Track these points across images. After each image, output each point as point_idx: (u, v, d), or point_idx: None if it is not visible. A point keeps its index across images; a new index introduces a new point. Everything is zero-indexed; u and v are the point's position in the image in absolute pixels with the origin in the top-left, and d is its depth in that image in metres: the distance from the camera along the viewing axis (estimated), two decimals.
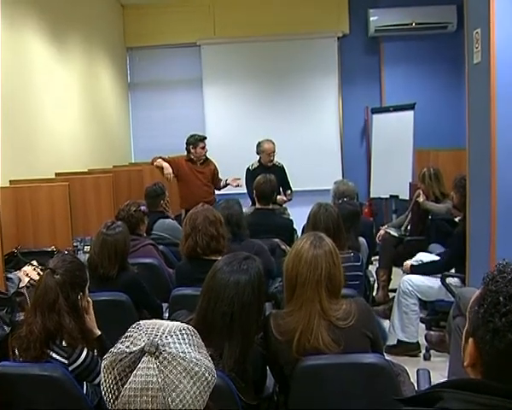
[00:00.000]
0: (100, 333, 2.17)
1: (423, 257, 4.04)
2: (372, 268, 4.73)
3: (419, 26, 6.97)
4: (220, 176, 5.62)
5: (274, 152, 5.52)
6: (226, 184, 5.55)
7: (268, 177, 4.31)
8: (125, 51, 7.56)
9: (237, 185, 5.51)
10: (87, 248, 3.79)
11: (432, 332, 3.84)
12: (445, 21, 6.94)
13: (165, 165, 5.19)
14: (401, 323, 3.73)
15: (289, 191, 5.56)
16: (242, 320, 1.68)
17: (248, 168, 5.62)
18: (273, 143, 5.56)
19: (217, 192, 5.67)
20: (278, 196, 4.55)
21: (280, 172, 5.51)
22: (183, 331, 1.03)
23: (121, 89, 7.36)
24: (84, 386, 1.99)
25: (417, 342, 3.75)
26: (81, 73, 5.80)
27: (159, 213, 4.27)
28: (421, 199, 4.66)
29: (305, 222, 3.15)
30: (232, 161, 6.45)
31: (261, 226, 3.94)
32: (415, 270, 3.87)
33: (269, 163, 5.50)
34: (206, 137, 5.44)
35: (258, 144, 5.60)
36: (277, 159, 5.64)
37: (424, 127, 6.77)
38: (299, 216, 4.65)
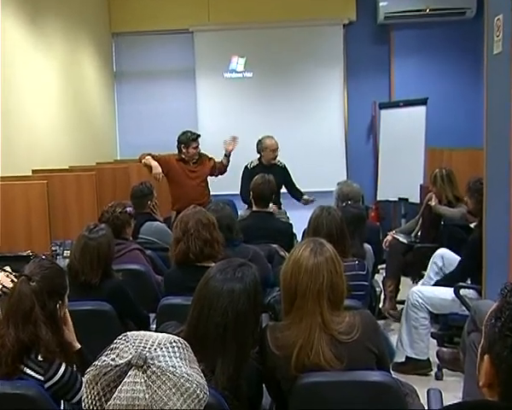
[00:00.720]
0: (80, 346, 2.17)
1: (445, 253, 4.08)
2: (378, 278, 4.74)
3: (433, 12, 6.95)
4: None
5: (277, 149, 5.56)
6: (229, 155, 5.55)
7: (267, 177, 4.34)
8: (110, 38, 7.58)
9: (232, 148, 5.52)
10: (67, 253, 3.79)
11: (444, 349, 3.84)
12: (462, 7, 6.90)
13: (154, 164, 5.20)
14: (410, 338, 3.73)
15: (303, 196, 5.66)
16: (237, 332, 1.68)
17: (247, 166, 5.64)
18: (276, 141, 5.60)
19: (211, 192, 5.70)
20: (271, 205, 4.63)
21: (282, 172, 5.55)
22: (174, 344, 1.03)
23: (106, 79, 7.38)
24: (61, 405, 1.99)
25: (428, 359, 3.76)
26: (62, 62, 5.81)
27: (146, 215, 4.29)
28: (433, 203, 4.67)
29: (305, 226, 3.16)
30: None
31: (258, 231, 3.95)
32: (426, 282, 3.89)
33: (272, 161, 5.53)
34: (199, 136, 5.44)
35: (259, 142, 5.63)
36: (278, 158, 5.67)
37: (437, 124, 6.81)
38: (299, 220, 4.66)
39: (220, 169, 5.56)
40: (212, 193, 5.63)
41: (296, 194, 5.71)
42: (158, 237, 4.13)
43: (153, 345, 1.01)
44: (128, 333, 1.06)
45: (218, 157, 5.62)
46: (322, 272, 1.88)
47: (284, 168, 5.64)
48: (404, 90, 7.19)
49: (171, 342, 1.03)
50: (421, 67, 7.32)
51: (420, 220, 5.03)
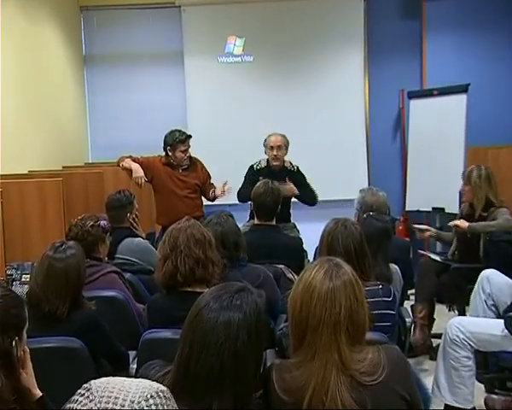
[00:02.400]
0: (41, 395, 2.15)
1: (491, 274, 4.06)
2: (408, 305, 4.75)
3: None
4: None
5: (281, 148, 5.60)
6: (215, 197, 5.63)
7: (270, 185, 4.40)
8: (78, 12, 7.65)
9: (222, 193, 5.57)
10: (26, 278, 3.81)
11: (494, 396, 3.79)
12: None
13: (135, 166, 5.28)
14: (449, 382, 3.65)
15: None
16: (236, 373, 1.69)
17: (252, 166, 5.73)
18: (284, 138, 5.66)
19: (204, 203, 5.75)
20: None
21: (295, 177, 5.60)
22: (152, 401, 0.97)
23: (74, 64, 7.43)
24: None
25: (473, 408, 3.72)
26: (17, 42, 5.80)
27: (125, 229, 4.33)
28: (464, 224, 4.69)
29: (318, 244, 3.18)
30: (222, 165, 6.54)
31: (260, 248, 4.00)
32: (473, 314, 3.85)
33: (274, 162, 5.60)
34: (189, 136, 5.48)
35: (266, 139, 5.71)
36: (290, 159, 5.74)
37: (480, 117, 6.84)
38: (311, 234, 4.67)
39: (207, 192, 5.62)
40: (206, 203, 5.72)
41: (309, 199, 5.73)
42: (139, 257, 4.17)
43: (125, 401, 0.94)
44: (92, 383, 0.98)
45: (212, 162, 5.69)
46: (340, 298, 1.89)
47: (296, 173, 5.70)
48: (438, 76, 7.23)
49: (147, 399, 0.97)
50: (461, 46, 7.35)
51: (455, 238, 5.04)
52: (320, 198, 5.80)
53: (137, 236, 4.39)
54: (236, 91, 7.53)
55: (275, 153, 5.58)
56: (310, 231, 5.12)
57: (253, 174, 5.60)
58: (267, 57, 7.49)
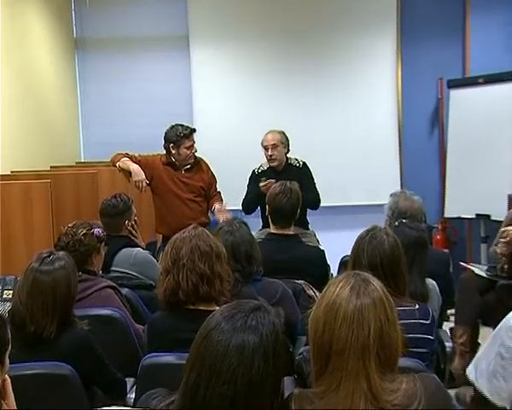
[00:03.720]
0: None
1: None
2: (448, 327, 4.74)
3: None
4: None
5: (277, 147, 5.72)
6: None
7: (288, 185, 4.43)
8: None
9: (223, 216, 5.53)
10: (9, 294, 3.82)
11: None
12: None
13: (134, 167, 5.31)
14: (489, 368, 3.58)
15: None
16: (249, 405, 1.69)
17: (254, 171, 5.88)
18: (282, 134, 5.77)
19: None
20: None
21: (299, 174, 5.65)
22: None
23: (63, 48, 7.45)
24: None
25: (504, 408, 3.71)
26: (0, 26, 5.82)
27: (122, 239, 4.35)
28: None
29: (344, 255, 3.17)
30: (231, 164, 6.64)
31: (277, 261, 4.01)
32: None
33: (271, 163, 5.73)
34: (193, 130, 5.53)
35: (262, 140, 5.82)
36: (297, 156, 5.83)
37: None
38: (332, 245, 4.67)
39: (212, 198, 5.64)
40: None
41: (309, 200, 5.65)
42: (138, 270, 4.20)
43: None
44: None
45: (221, 163, 5.76)
46: (368, 319, 1.88)
47: (301, 168, 5.80)
48: (484, 62, 7.18)
49: None
50: (511, 27, 7.31)
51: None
52: (344, 203, 5.83)
53: (136, 246, 4.40)
54: (249, 82, 7.55)
55: (270, 153, 5.70)
56: (331, 241, 5.13)
57: (255, 179, 5.72)
58: (283, 42, 7.49)
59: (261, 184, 5.49)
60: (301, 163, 5.81)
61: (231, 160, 6.98)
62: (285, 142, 5.76)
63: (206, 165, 5.66)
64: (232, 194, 5.84)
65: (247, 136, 6.88)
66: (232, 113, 7.50)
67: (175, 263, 2.81)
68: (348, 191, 6.94)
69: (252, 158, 5.87)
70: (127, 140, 6.71)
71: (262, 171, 5.79)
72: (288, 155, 5.82)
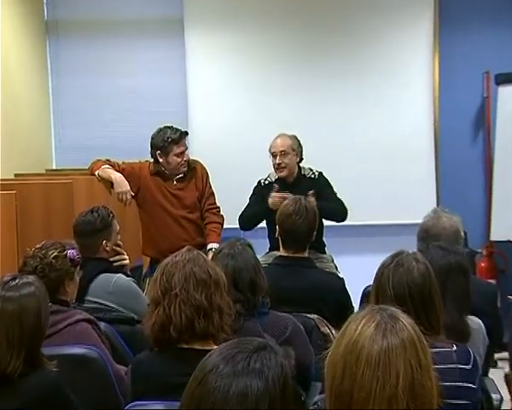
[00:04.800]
0: None
1: None
2: (496, 375, 4.71)
3: None
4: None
5: (286, 154, 5.70)
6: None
7: (303, 202, 4.41)
8: None
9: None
10: None
11: None
12: None
13: (118, 177, 5.28)
14: None
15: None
16: None
17: (260, 182, 5.88)
18: (293, 139, 5.77)
19: None
20: None
21: (315, 187, 5.66)
22: None
23: (32, 33, 7.45)
24: None
25: None
26: None
27: (100, 262, 4.33)
28: None
29: (367, 285, 3.14)
30: (233, 173, 6.71)
31: (286, 290, 4.02)
32: None
33: (280, 172, 5.71)
34: (185, 133, 5.54)
35: (270, 145, 5.82)
36: (313, 165, 5.83)
37: None
38: (355, 272, 4.65)
39: (208, 212, 5.61)
40: None
41: (336, 212, 5.73)
42: (119, 301, 4.17)
43: None
44: None
45: (219, 171, 5.74)
46: (397, 363, 1.87)
47: (318, 179, 5.79)
48: None
49: None
50: None
51: None
52: (367, 222, 5.80)
53: (118, 271, 4.38)
54: (255, 74, 7.55)
55: (278, 161, 5.68)
56: (352, 268, 5.10)
57: (260, 191, 5.73)
58: (296, 28, 7.50)
59: (272, 196, 5.49)
60: (317, 174, 5.81)
61: (233, 168, 7.03)
62: (297, 148, 5.74)
63: (204, 169, 5.65)
64: (232, 209, 5.83)
65: (253, 140, 6.90)
66: (235, 111, 7.51)
67: (166, 293, 2.79)
68: (372, 208, 6.89)
69: (258, 166, 5.88)
70: (108, 144, 6.72)
71: (269, 182, 5.78)
72: (300, 165, 5.82)
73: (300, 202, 4.42)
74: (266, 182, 5.82)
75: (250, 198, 5.83)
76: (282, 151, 5.67)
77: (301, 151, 5.80)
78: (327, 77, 7.47)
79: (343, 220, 5.78)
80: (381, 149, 7.39)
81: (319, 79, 7.47)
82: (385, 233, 6.61)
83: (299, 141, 5.78)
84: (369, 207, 6.90)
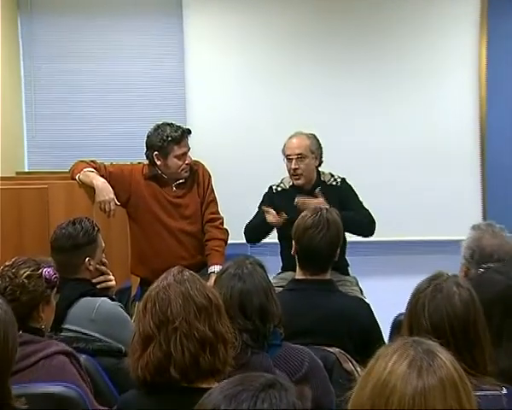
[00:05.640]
0: None
1: None
2: None
3: None
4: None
5: (304, 158, 5.69)
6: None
7: (324, 215, 4.34)
8: None
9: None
10: None
11: None
12: None
13: (100, 182, 5.29)
14: None
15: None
16: None
17: (271, 188, 5.90)
18: (312, 140, 5.76)
19: None
20: None
21: (337, 195, 5.68)
22: None
23: (0, 11, 7.43)
24: None
25: None
26: None
27: (81, 283, 4.31)
28: None
29: (399, 313, 3.11)
30: (238, 178, 6.78)
31: (303, 318, 4.04)
32: None
33: (294, 179, 5.72)
34: (188, 132, 5.54)
35: (284, 145, 5.82)
36: (333, 171, 5.83)
37: None
38: (384, 298, 4.64)
39: (209, 224, 5.61)
40: None
41: (362, 225, 5.76)
42: (104, 330, 4.15)
43: None
44: None
45: (222, 175, 5.77)
46: (434, 408, 1.88)
47: (340, 186, 5.80)
48: None
49: None
50: None
51: None
52: (397, 237, 5.73)
53: (102, 294, 4.36)
54: (265, 60, 7.57)
55: (293, 166, 5.68)
56: (379, 292, 5.08)
57: (270, 199, 5.75)
58: (314, 7, 7.53)
59: (296, 200, 5.48)
60: (339, 180, 5.81)
61: (238, 171, 7.10)
62: (316, 151, 5.74)
63: (206, 171, 5.65)
64: (236, 221, 5.87)
65: (262, 138, 6.97)
66: (241, 105, 7.54)
67: (162, 326, 2.77)
68: (403, 222, 6.87)
69: (267, 170, 5.90)
70: (93, 142, 6.70)
71: (283, 189, 5.80)
72: (319, 169, 5.82)
73: (321, 214, 4.34)
74: (279, 189, 5.83)
75: (259, 207, 5.82)
76: (298, 155, 5.66)
77: (321, 153, 5.79)
78: (350, 65, 7.50)
79: (370, 235, 5.79)
80: (415, 152, 7.41)
81: (341, 67, 7.52)
82: (419, 251, 6.61)
83: (318, 141, 5.78)
84: (399, 221, 6.88)
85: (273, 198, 5.77)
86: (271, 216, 5.56)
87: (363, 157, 6.91)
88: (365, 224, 5.72)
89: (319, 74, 7.47)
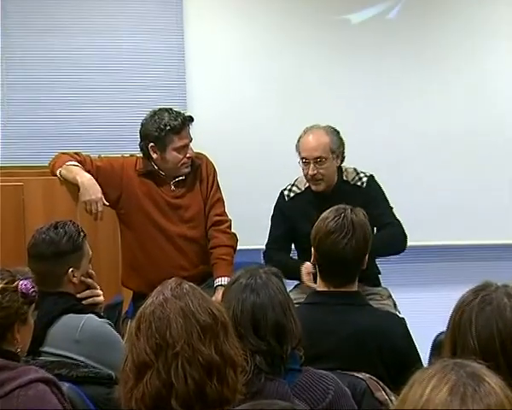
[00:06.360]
0: None
1: None
2: None
3: None
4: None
5: (323, 161, 5.58)
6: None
7: (349, 216, 4.27)
8: None
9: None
10: None
11: None
12: None
13: (84, 179, 5.27)
14: None
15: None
16: None
17: (282, 195, 5.82)
18: (332, 136, 5.66)
19: None
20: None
21: (362, 198, 5.59)
22: None
23: None
24: None
25: None
26: None
27: (64, 298, 4.31)
28: None
29: (440, 331, 3.09)
30: (245, 173, 6.80)
31: (326, 338, 4.02)
32: None
33: (312, 185, 5.65)
34: (190, 119, 5.53)
35: (298, 141, 5.74)
36: (359, 167, 5.82)
37: None
38: (421, 313, 4.62)
39: (214, 227, 5.60)
40: None
41: (389, 241, 5.67)
42: (91, 353, 4.14)
43: None
44: None
45: (227, 170, 5.78)
46: None
47: (367, 187, 5.74)
48: None
49: None
50: None
51: None
52: (435, 242, 5.69)
53: (88, 311, 4.34)
54: (280, 37, 7.60)
55: (311, 172, 5.56)
56: (416, 307, 5.06)
57: (282, 210, 5.72)
58: None
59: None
60: (365, 179, 5.73)
61: (249, 165, 7.11)
62: (337, 149, 5.64)
63: (210, 165, 5.65)
64: (248, 222, 5.97)
65: (273, 128, 6.99)
66: (249, 88, 7.56)
67: (160, 352, 2.73)
68: (443, 224, 6.88)
69: (278, 164, 5.85)
70: (76, 132, 6.69)
71: (296, 195, 5.74)
72: (341, 166, 5.76)
73: (345, 215, 4.29)
74: (292, 194, 5.76)
75: (272, 220, 5.78)
76: (317, 158, 5.55)
77: (343, 150, 5.71)
78: (379, 44, 7.51)
79: (400, 251, 5.74)
80: (457, 144, 7.41)
81: (368, 48, 7.51)
82: (465, 258, 6.58)
83: (338, 135, 5.69)
84: (438, 223, 6.88)
85: (284, 210, 5.70)
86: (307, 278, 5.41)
87: (393, 152, 6.88)
88: (395, 242, 5.65)
89: (341, 57, 7.53)
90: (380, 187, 5.77)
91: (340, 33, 7.49)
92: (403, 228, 5.64)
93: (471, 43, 7.44)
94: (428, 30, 7.43)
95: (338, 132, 5.68)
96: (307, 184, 5.71)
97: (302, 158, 5.59)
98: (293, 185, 5.79)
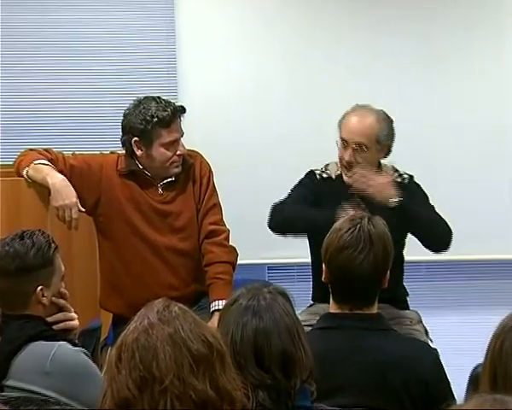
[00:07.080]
0: None
1: None
2: None
3: None
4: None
5: (365, 146, 5.57)
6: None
7: (366, 225, 4.26)
8: None
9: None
10: None
11: None
12: None
13: (56, 180, 5.26)
14: None
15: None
16: None
17: (313, 173, 5.84)
18: (380, 122, 5.66)
19: None
20: None
21: (405, 195, 5.57)
22: None
23: None
24: None
25: None
26: None
27: (32, 322, 4.29)
28: None
29: (477, 363, 3.09)
30: (244, 171, 6.83)
31: (341, 369, 4.02)
32: None
33: (345, 173, 5.61)
34: (182, 110, 5.54)
35: (343, 117, 5.73)
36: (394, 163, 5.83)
37: None
38: (457, 341, 4.62)
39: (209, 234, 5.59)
40: None
41: (432, 232, 5.69)
42: (63, 387, 4.13)
43: None
44: None
45: (223, 168, 5.74)
46: None
47: (408, 186, 5.77)
48: None
49: None
50: None
51: None
52: (471, 256, 5.69)
53: (59, 338, 4.33)
54: (288, 12, 7.63)
55: (347, 157, 5.57)
56: (450, 333, 5.06)
57: (311, 186, 5.73)
58: None
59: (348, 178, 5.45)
60: (407, 177, 5.78)
61: (250, 164, 7.14)
62: (385, 140, 5.65)
63: (204, 164, 5.66)
64: (249, 232, 5.97)
65: (279, 119, 6.96)
66: (251, 72, 7.60)
67: (146, 387, 2.69)
68: (481, 235, 6.90)
69: (290, 160, 5.85)
70: (47, 125, 6.70)
71: (327, 177, 5.77)
72: (381, 161, 5.77)
73: (361, 226, 4.28)
74: (324, 175, 5.77)
75: (294, 189, 5.75)
76: (357, 143, 5.56)
77: (390, 144, 5.71)
78: (395, 31, 7.59)
79: (445, 248, 5.71)
80: (478, 149, 7.44)
81: (397, 20, 7.55)
82: (502, 275, 6.58)
83: (391, 124, 5.69)
84: (474, 234, 6.89)
85: (313, 186, 5.70)
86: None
87: (415, 150, 6.89)
88: (441, 228, 5.62)
89: (361, 33, 7.55)
90: (420, 187, 5.79)
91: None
92: (448, 224, 5.62)
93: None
94: None
95: (391, 122, 5.68)
96: (338, 171, 5.73)
97: (342, 138, 5.59)
98: (325, 169, 5.81)
